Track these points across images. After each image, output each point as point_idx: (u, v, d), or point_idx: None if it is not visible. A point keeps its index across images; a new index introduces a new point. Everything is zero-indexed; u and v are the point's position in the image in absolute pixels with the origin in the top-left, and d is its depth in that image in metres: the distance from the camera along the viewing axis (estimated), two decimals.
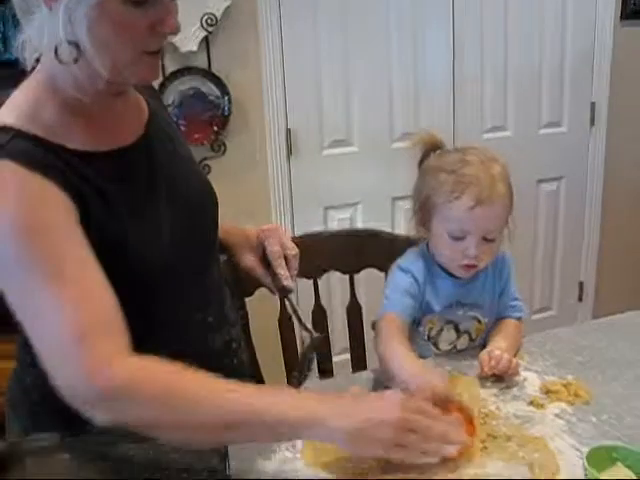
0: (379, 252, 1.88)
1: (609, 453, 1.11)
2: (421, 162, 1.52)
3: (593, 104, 3.24)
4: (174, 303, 1.27)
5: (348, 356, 1.95)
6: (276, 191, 2.78)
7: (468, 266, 1.46)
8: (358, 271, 1.94)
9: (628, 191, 3.39)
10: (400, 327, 1.44)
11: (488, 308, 1.57)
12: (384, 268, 1.85)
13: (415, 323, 1.53)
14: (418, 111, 2.91)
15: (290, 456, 1.19)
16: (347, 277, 1.94)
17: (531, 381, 1.41)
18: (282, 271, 1.42)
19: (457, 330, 1.56)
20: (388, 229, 2.22)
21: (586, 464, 1.07)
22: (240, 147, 2.75)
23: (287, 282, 1.42)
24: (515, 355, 1.49)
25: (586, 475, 1.07)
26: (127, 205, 1.17)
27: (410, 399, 1.11)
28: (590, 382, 1.40)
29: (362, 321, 1.94)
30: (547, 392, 1.36)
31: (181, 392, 1.04)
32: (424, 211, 1.47)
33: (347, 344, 1.95)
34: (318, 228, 2.64)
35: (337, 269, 1.94)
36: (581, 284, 3.52)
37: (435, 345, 1.56)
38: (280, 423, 1.05)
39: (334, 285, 2.63)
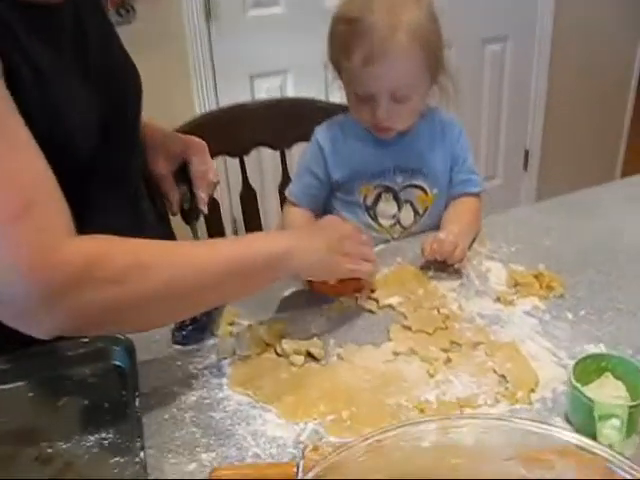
0: (313, 124, 1.63)
1: (597, 363, 0.92)
2: None
3: None
4: (105, 188, 1.10)
5: None
6: (195, 60, 2.48)
7: (378, 128, 1.31)
8: (290, 145, 1.74)
9: (577, 54, 3.16)
10: (299, 221, 1.38)
11: (436, 178, 1.37)
12: None
13: (348, 191, 1.38)
14: None
15: (216, 382, 0.98)
16: (278, 153, 1.74)
17: (496, 272, 1.21)
18: (203, 194, 1.26)
19: (397, 199, 1.36)
20: (322, 98, 2.00)
21: (572, 379, 0.88)
22: (151, 10, 2.39)
23: (204, 207, 1.27)
24: (474, 240, 1.29)
25: (571, 391, 0.88)
26: (55, 70, 0.96)
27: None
28: (562, 270, 1.21)
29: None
30: (515, 285, 1.17)
31: (162, 257, 0.89)
32: (335, 68, 1.32)
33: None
34: (244, 100, 2.37)
35: (266, 144, 1.74)
36: (527, 152, 3.36)
37: (375, 219, 1.37)
38: (268, 259, 0.98)
39: (265, 162, 2.46)
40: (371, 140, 1.34)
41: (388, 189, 1.35)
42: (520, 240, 1.32)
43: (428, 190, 1.36)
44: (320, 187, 1.40)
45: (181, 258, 0.90)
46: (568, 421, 0.90)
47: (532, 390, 0.95)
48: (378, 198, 1.36)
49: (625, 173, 3.42)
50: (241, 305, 1.13)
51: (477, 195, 1.40)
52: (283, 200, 1.70)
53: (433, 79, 1.29)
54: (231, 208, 2.39)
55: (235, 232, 2.47)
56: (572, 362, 0.97)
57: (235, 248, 0.98)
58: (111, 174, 1.11)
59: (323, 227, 1.14)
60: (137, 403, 0.91)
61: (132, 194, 1.20)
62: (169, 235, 1.36)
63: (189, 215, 1.27)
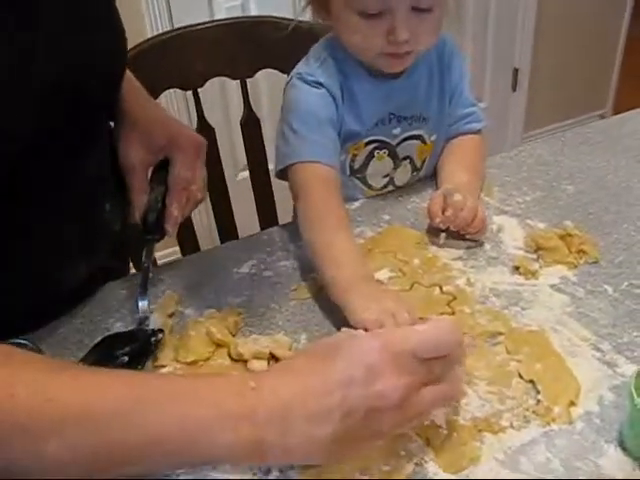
0: (279, 47, 1.36)
1: None
2: None
3: None
4: (47, 188, 0.79)
5: (247, 174, 1.54)
6: None
7: (395, 55, 0.96)
8: (252, 74, 1.46)
9: None
10: (332, 188, 0.95)
11: (436, 120, 1.08)
12: (289, 69, 1.39)
13: None
14: None
15: None
16: (238, 83, 1.46)
17: (511, 232, 0.96)
18: (175, 210, 0.90)
19: (394, 156, 1.07)
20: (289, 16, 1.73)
21: (634, 393, 0.63)
22: None
23: (171, 228, 0.90)
24: (481, 191, 1.03)
25: (633, 412, 0.64)
26: None
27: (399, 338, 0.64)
28: (593, 227, 0.96)
29: (262, 137, 1.50)
30: (537, 249, 0.91)
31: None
32: None
33: (245, 163, 1.54)
34: (202, 19, 2.10)
35: (225, 74, 1.45)
36: (515, 71, 3.11)
37: (363, 182, 1.08)
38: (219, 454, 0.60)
39: (226, 94, 2.20)
40: (369, 82, 1.03)
41: (383, 144, 1.06)
42: (535, 186, 1.06)
43: (427, 138, 1.08)
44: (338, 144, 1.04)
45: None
46: (623, 448, 0.66)
47: (572, 403, 0.70)
48: (370, 157, 1.07)
49: (618, 99, 3.20)
50: (184, 288, 0.87)
51: (479, 132, 1.13)
52: (247, 135, 1.48)
53: None
54: None
55: None
56: (619, 356, 0.76)
57: (166, 421, 0.59)
58: (56, 172, 0.81)
59: (333, 379, 0.61)
60: None
61: (84, 195, 0.88)
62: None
63: (149, 230, 0.91)
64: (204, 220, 1.93)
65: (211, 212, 1.49)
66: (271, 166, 1.51)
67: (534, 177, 1.09)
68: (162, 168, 0.93)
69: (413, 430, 0.67)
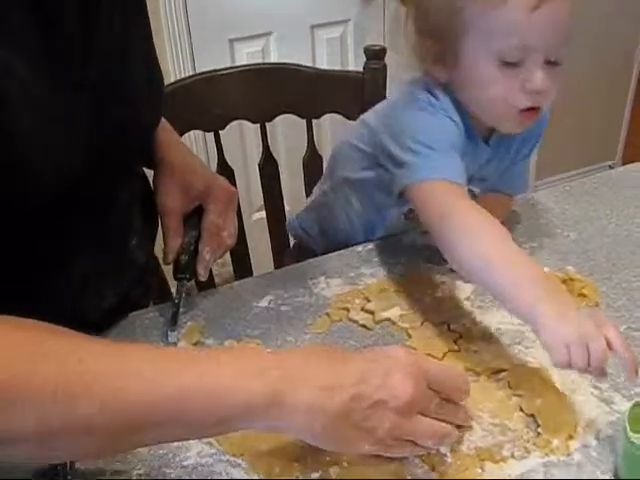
0: (299, 93, 1.47)
1: None
2: None
3: None
4: (58, 241, 0.82)
5: (261, 214, 1.62)
6: (169, 22, 2.25)
7: (531, 110, 0.94)
8: (272, 119, 1.51)
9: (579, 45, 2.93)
10: (475, 204, 0.90)
11: (492, 181, 1.11)
12: (306, 113, 1.49)
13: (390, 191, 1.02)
14: None
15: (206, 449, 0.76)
16: (258, 126, 1.51)
17: None
18: (207, 255, 0.97)
19: None
20: (309, 64, 1.79)
21: (627, 428, 0.68)
22: None
23: (203, 270, 0.97)
24: None
25: (626, 445, 0.68)
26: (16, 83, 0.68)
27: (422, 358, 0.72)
28: (593, 272, 1.01)
29: (279, 177, 1.56)
30: None
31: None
32: (447, 37, 0.94)
33: (262, 203, 1.59)
34: (224, 66, 2.16)
35: (246, 118, 1.51)
36: None
37: (409, 219, 1.10)
38: (234, 411, 0.63)
39: (245, 136, 2.27)
40: (467, 139, 1.01)
41: None
42: (541, 233, 1.11)
43: (474, 192, 1.07)
44: None
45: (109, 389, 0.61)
46: (616, 477, 0.71)
47: (571, 436, 0.75)
48: None
49: (628, 151, 3.28)
50: (205, 319, 0.93)
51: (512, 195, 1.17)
52: (265, 175, 1.53)
53: None
54: None
55: None
56: (616, 394, 0.80)
57: (188, 381, 0.63)
58: (91, 206, 0.86)
59: (365, 373, 0.66)
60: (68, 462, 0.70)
61: (117, 228, 0.94)
62: (155, 278, 1.15)
63: (181, 271, 0.97)
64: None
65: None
66: (287, 207, 1.59)
67: (540, 224, 1.14)
68: (195, 213, 0.99)
69: (420, 457, 0.72)
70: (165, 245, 0.98)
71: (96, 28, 0.77)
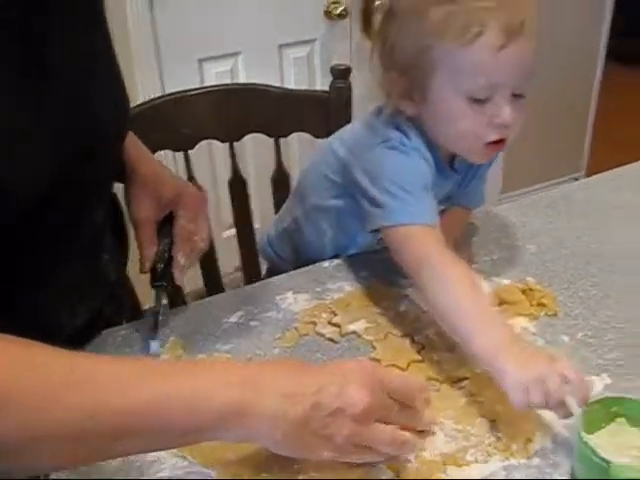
0: (267, 112, 1.50)
1: (607, 407, 0.76)
2: (365, 11, 1.00)
3: None
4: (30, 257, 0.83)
5: (232, 232, 1.69)
6: (138, 43, 2.27)
7: (497, 143, 0.98)
8: (240, 137, 1.54)
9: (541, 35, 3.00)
10: (447, 250, 0.93)
11: (455, 197, 1.15)
12: (273, 132, 1.52)
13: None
14: None
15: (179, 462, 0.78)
16: (227, 146, 1.54)
17: None
18: (182, 259, 1.00)
19: None
20: (277, 83, 1.82)
21: (580, 430, 0.71)
22: None
23: (179, 275, 1.00)
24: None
25: (580, 446, 0.72)
26: None
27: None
28: (553, 283, 1.05)
29: (248, 195, 1.59)
30: (501, 304, 1.00)
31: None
32: (414, 73, 0.97)
33: (232, 220, 1.63)
34: (194, 86, 2.18)
35: (215, 137, 1.54)
36: None
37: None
38: (188, 422, 0.66)
39: (214, 156, 2.28)
40: (441, 171, 1.05)
41: None
42: (501, 246, 1.15)
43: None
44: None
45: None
46: (573, 477, 0.74)
47: (529, 439, 0.78)
48: None
49: (591, 165, 3.33)
50: (178, 334, 0.95)
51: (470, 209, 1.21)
52: (235, 194, 1.55)
53: None
54: None
55: None
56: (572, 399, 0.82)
57: (160, 390, 0.65)
58: (62, 222, 0.87)
59: (324, 384, 0.69)
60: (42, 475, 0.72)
61: (89, 244, 0.96)
62: (127, 295, 1.17)
63: (159, 279, 0.99)
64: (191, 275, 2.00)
65: (198, 267, 1.57)
66: (257, 225, 1.62)
67: (500, 237, 1.18)
68: (167, 221, 1.02)
69: (385, 464, 0.75)
70: (141, 255, 1.00)
71: (46, 44, 0.77)
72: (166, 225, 1.02)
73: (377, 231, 1.00)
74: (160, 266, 0.99)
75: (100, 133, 0.88)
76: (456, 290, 0.88)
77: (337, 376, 0.70)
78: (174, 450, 0.77)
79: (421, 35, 0.93)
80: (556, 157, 3.21)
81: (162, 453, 0.77)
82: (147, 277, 1.00)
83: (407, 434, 0.73)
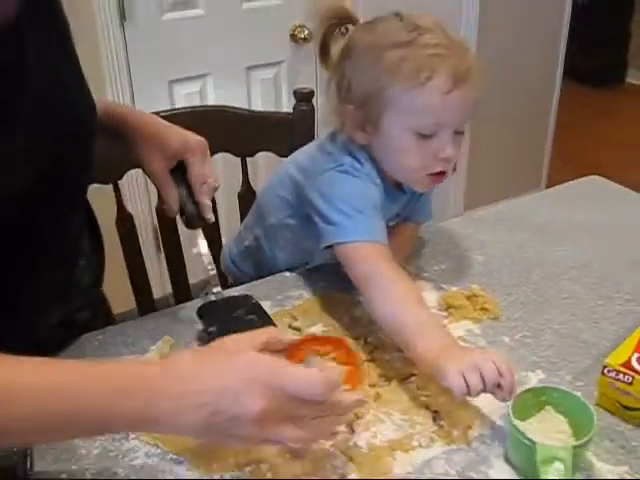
0: (234, 133, 1.57)
1: (537, 396, 0.85)
2: (323, 45, 1.10)
3: None
4: (30, 253, 0.94)
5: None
6: (110, 65, 2.32)
7: (440, 174, 1.07)
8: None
9: (500, 54, 3.08)
10: (394, 264, 1.02)
11: (402, 216, 1.24)
12: (240, 151, 1.60)
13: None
14: None
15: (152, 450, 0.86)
16: None
17: (426, 295, 1.12)
18: (207, 200, 1.09)
19: None
20: (244, 104, 1.90)
21: (511, 418, 0.80)
22: None
23: (209, 214, 1.10)
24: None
25: (511, 430, 0.81)
26: None
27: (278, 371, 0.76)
28: (496, 289, 1.15)
29: (216, 212, 1.58)
30: (448, 308, 1.10)
31: None
32: (368, 109, 1.05)
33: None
34: (164, 106, 2.25)
35: None
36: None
37: None
38: (99, 427, 0.74)
39: None
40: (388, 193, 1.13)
41: None
42: (451, 257, 1.25)
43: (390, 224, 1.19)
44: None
45: None
46: (508, 461, 0.83)
47: (469, 427, 0.87)
48: None
49: (551, 180, 3.44)
50: (152, 338, 1.03)
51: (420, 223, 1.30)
52: None
53: None
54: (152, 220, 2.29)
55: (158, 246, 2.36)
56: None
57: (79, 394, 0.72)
58: (41, 237, 0.96)
59: (222, 388, 0.73)
60: (28, 462, 0.80)
61: (65, 256, 1.05)
62: (99, 300, 1.24)
63: (190, 221, 1.10)
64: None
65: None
66: (224, 239, 1.68)
67: (450, 249, 1.27)
68: (177, 169, 1.10)
69: (338, 449, 0.83)
70: (165, 201, 1.10)
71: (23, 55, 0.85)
72: (177, 173, 1.10)
73: (330, 247, 1.07)
74: (191, 207, 1.09)
75: (72, 134, 0.96)
76: (399, 304, 0.97)
77: (238, 381, 0.73)
78: (148, 438, 0.85)
79: (376, 75, 1.02)
80: (515, 175, 3.32)
81: (136, 442, 0.85)
82: (119, 284, 1.08)
83: (315, 433, 0.77)
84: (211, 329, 1.01)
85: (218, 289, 1.09)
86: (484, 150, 3.29)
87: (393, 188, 1.15)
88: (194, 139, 1.12)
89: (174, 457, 0.84)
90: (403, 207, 1.20)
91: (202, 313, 1.06)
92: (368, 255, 1.03)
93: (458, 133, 1.05)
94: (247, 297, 1.10)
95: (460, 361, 0.85)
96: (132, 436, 0.86)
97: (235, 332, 0.83)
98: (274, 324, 1.03)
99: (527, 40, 3.15)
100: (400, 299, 0.97)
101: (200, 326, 1.06)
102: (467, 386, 0.84)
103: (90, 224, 1.14)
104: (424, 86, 1.00)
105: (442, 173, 1.07)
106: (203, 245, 1.10)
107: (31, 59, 0.86)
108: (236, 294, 1.12)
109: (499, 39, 3.06)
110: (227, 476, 0.81)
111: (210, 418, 0.71)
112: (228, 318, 1.03)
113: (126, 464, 0.83)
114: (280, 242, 1.24)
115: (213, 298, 1.08)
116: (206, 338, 1.01)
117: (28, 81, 0.86)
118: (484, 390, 0.85)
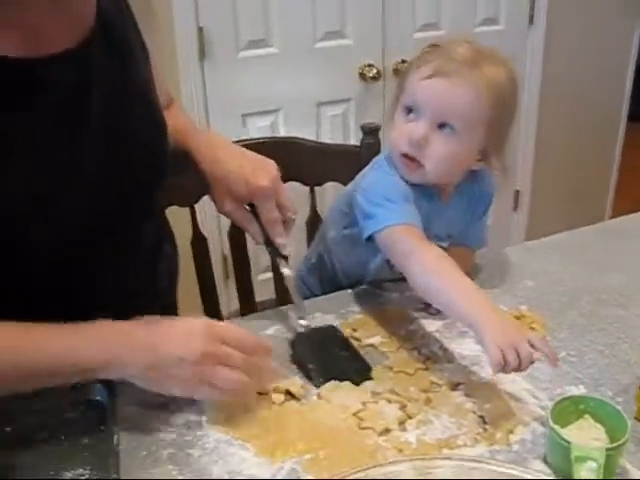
0: (303, 163, 1.66)
1: (576, 405, 0.92)
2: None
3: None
4: (115, 253, 1.09)
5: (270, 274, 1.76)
6: (189, 99, 2.48)
7: (408, 158, 1.16)
8: None
9: (566, 96, 3.19)
10: (431, 244, 1.14)
11: (456, 237, 1.32)
12: (309, 181, 1.69)
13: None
14: (344, 7, 2.60)
15: (194, 419, 0.98)
16: None
17: None
18: (281, 240, 1.17)
19: None
20: (313, 137, 1.99)
21: (550, 421, 0.88)
22: None
23: (286, 251, 1.18)
24: None
25: (549, 432, 0.88)
26: (27, 139, 0.93)
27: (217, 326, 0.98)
28: (544, 312, 1.22)
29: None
30: None
31: None
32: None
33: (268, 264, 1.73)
34: (237, 138, 2.38)
35: None
36: (517, 192, 3.36)
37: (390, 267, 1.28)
38: (73, 368, 0.92)
39: None
40: (418, 195, 1.22)
41: None
42: (505, 281, 1.33)
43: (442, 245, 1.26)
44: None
45: None
46: (546, 463, 0.90)
47: (511, 431, 0.94)
48: None
49: (613, 214, 3.45)
50: None
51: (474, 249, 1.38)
52: None
53: (484, 148, 1.19)
54: (222, 245, 2.41)
55: (225, 268, 2.48)
56: (551, 402, 0.98)
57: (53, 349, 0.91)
58: (121, 241, 1.09)
59: (162, 340, 0.94)
60: (115, 439, 0.91)
61: (145, 259, 1.17)
62: (171, 305, 1.34)
63: (272, 259, 1.20)
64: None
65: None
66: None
67: (503, 273, 1.35)
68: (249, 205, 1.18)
69: (390, 443, 0.92)
70: (248, 231, 1.20)
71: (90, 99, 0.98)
72: (254, 207, 1.17)
73: (370, 239, 1.17)
74: (268, 249, 1.18)
75: (137, 180, 1.07)
76: (437, 273, 1.08)
77: (185, 331, 0.94)
78: (219, 426, 0.96)
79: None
80: (577, 212, 3.35)
81: (208, 430, 0.96)
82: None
83: (245, 377, 0.93)
84: (310, 366, 1.07)
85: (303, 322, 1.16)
86: (547, 189, 3.34)
87: (435, 198, 1.24)
88: (258, 186, 1.13)
89: (241, 443, 0.93)
90: (450, 224, 1.28)
91: (292, 344, 1.13)
92: (403, 236, 1.13)
93: (441, 127, 1.14)
94: (332, 328, 1.17)
95: (500, 334, 0.94)
96: (204, 424, 0.96)
97: (334, 370, 1.05)
98: (365, 360, 1.10)
99: (592, 83, 3.20)
100: (437, 268, 1.08)
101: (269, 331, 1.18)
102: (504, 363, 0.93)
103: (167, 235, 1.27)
104: (414, 71, 1.16)
105: (413, 160, 1.16)
106: (287, 272, 1.18)
107: (98, 79, 0.99)
108: (321, 325, 1.18)
109: (564, 81, 3.13)
110: (288, 463, 0.90)
111: (156, 359, 0.91)
112: (323, 355, 1.11)
113: (200, 446, 0.93)
114: (339, 255, 1.35)
115: (302, 330, 1.15)
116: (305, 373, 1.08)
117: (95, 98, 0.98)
118: (518, 369, 0.94)
